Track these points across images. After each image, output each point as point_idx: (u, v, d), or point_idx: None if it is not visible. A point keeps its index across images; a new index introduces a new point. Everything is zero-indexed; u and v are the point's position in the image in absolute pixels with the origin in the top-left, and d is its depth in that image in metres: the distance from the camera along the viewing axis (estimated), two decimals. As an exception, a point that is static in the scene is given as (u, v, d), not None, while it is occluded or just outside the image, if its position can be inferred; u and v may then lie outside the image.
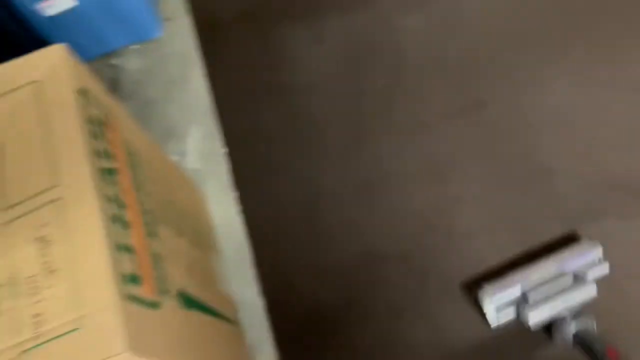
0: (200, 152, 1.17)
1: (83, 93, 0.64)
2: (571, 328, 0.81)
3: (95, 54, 1.28)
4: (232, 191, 1.12)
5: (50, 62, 0.63)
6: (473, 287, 0.93)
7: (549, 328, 0.86)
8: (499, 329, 0.87)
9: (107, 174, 0.62)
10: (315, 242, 1.05)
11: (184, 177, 1.02)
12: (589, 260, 0.87)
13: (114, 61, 1.28)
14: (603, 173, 0.99)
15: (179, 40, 1.28)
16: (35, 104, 0.61)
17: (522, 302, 0.85)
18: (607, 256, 0.87)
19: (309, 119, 1.14)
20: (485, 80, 1.11)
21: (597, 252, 0.88)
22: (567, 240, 0.93)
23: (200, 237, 0.93)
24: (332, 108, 1.14)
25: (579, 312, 0.83)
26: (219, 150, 1.16)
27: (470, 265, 0.98)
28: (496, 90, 1.09)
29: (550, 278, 0.86)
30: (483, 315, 0.89)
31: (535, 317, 0.84)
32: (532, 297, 0.84)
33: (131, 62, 1.27)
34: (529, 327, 0.85)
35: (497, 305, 0.86)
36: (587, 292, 0.85)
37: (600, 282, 0.87)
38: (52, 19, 1.09)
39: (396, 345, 0.96)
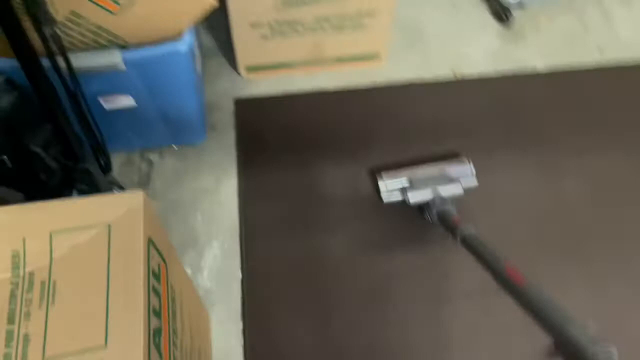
0: (216, 270, 1.16)
1: (151, 242, 0.65)
2: (436, 208, 1.11)
3: (137, 146, 1.30)
4: (239, 320, 1.10)
5: (126, 206, 0.64)
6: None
7: (422, 209, 1.18)
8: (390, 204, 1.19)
9: (156, 335, 0.61)
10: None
11: (201, 306, 1.01)
12: (463, 171, 1.21)
13: (151, 157, 1.30)
14: None
15: (220, 151, 1.31)
16: (103, 246, 0.61)
17: (407, 187, 1.18)
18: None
19: (333, 264, 1.15)
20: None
21: (471, 168, 1.21)
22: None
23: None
24: (359, 255, 1.16)
25: (445, 200, 1.13)
26: (235, 273, 1.15)
27: None
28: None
29: (432, 176, 1.19)
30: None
31: (414, 197, 1.16)
32: (415, 185, 1.17)
33: (168, 162, 1.29)
34: (409, 204, 1.16)
35: (389, 187, 1.19)
36: (455, 190, 1.17)
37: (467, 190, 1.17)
38: (107, 111, 1.12)
39: None
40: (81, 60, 0.96)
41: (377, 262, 1.16)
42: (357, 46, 1.38)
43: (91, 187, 1.06)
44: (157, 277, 0.65)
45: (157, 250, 0.67)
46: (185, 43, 1.01)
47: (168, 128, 1.23)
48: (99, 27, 0.94)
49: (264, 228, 1.20)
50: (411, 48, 1.48)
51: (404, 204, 1.18)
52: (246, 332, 1.08)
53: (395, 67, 1.45)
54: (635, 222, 1.21)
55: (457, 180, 1.18)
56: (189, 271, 1.15)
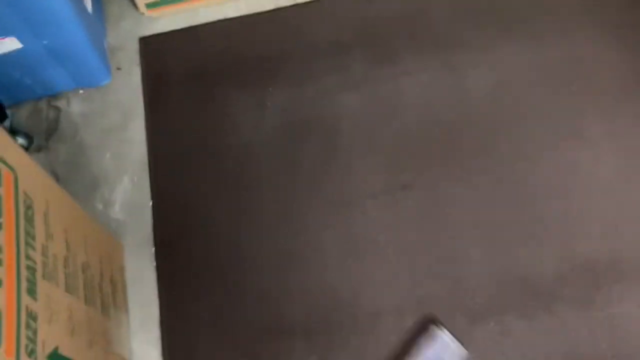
0: (127, 203, 1.17)
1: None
2: None
3: (40, 94, 1.29)
4: (151, 245, 1.12)
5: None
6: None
7: None
8: None
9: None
10: (226, 308, 1.05)
11: (99, 231, 1.02)
12: (443, 347, 0.97)
13: (57, 103, 1.29)
14: (513, 268, 1.03)
15: (126, 90, 1.30)
16: None
17: None
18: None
19: (241, 183, 1.16)
20: (412, 165, 1.15)
21: (447, 337, 0.97)
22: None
23: (100, 294, 0.92)
24: (265, 175, 1.16)
25: None
26: (146, 202, 1.16)
27: (375, 346, 0.99)
28: (422, 176, 1.13)
29: None
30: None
31: None
32: None
33: (74, 106, 1.29)
34: None
35: None
36: None
37: None
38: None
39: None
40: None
41: (284, 178, 1.17)
42: (254, -31, 1.35)
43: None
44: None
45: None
46: (51, -28, 0.99)
47: (66, 71, 1.22)
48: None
49: (173, 159, 1.21)
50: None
51: None
52: (157, 255, 1.10)
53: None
54: (533, 108, 1.21)
55: None
56: (100, 206, 1.17)
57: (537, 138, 1.17)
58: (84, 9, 1.21)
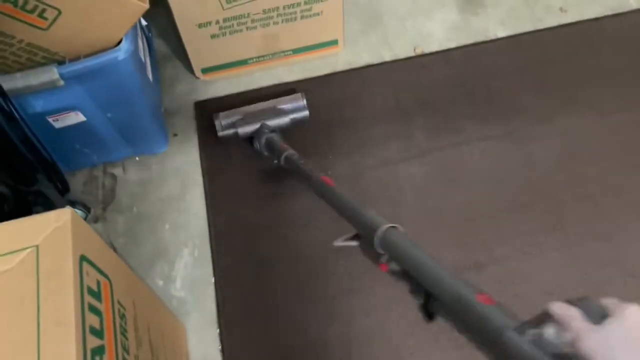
0: (188, 279, 1.14)
1: (85, 259, 0.63)
2: (264, 137, 1.18)
3: (97, 162, 1.27)
4: (215, 326, 1.08)
5: (53, 225, 0.62)
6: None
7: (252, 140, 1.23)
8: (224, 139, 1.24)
9: (96, 354, 0.59)
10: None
11: (168, 316, 0.98)
12: (296, 106, 1.26)
13: (114, 170, 1.27)
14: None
15: (183, 157, 1.29)
16: (32, 269, 0.59)
17: (240, 122, 1.23)
18: None
19: (307, 258, 1.13)
20: (480, 241, 1.12)
21: (303, 101, 1.26)
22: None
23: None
24: (324, 248, 1.13)
25: (272, 129, 1.21)
26: (208, 279, 1.13)
27: None
28: (492, 254, 1.10)
29: (265, 111, 1.25)
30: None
31: (243, 130, 1.22)
32: (246, 119, 1.23)
33: (131, 174, 1.27)
34: (239, 137, 1.22)
35: (223, 123, 1.24)
36: (283, 121, 1.23)
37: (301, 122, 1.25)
38: (59, 130, 1.09)
39: None
40: (17, 81, 0.94)
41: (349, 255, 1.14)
42: (311, 34, 1.35)
43: (48, 208, 1.04)
44: (95, 294, 0.63)
45: (95, 266, 0.65)
46: (124, 50, 0.98)
47: (125, 139, 1.21)
48: (31, 45, 0.92)
49: (235, 232, 1.18)
50: (370, 31, 1.45)
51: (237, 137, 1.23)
52: (223, 337, 1.06)
53: (355, 51, 1.42)
54: (602, 180, 1.18)
55: (288, 112, 1.24)
56: (160, 283, 1.13)
57: (608, 214, 1.14)
58: (147, 78, 1.20)
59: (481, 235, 1.14)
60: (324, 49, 1.40)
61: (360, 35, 1.44)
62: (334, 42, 1.40)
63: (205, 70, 1.37)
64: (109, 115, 1.11)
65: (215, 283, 1.13)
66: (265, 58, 1.38)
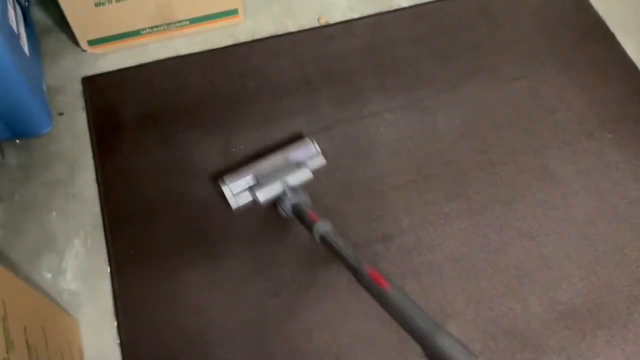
0: (80, 270, 1.04)
1: None
2: (290, 201, 1.04)
3: (-32, 146, 1.13)
4: (112, 319, 1.00)
5: None
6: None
7: (276, 205, 1.07)
8: (239, 210, 1.07)
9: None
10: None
11: (54, 312, 0.89)
12: (308, 153, 1.13)
13: (-11, 155, 1.14)
14: (496, 317, 1.01)
15: (70, 138, 1.18)
16: None
17: (255, 186, 1.07)
18: None
19: (208, 237, 1.07)
20: (389, 212, 1.11)
21: (314, 146, 1.13)
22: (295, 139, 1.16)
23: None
24: (231, 226, 1.08)
25: (295, 189, 1.06)
26: (103, 268, 1.05)
27: None
28: (400, 225, 1.10)
29: (277, 167, 1.10)
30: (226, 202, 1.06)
31: (263, 195, 1.05)
32: (262, 181, 1.06)
33: (10, 158, 1.14)
34: (260, 204, 1.06)
35: (234, 191, 1.07)
36: (304, 176, 1.09)
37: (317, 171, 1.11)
38: None
39: None
40: None
41: (257, 232, 1.10)
42: (208, 3, 1.27)
43: None
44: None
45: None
46: (-14, 18, 0.86)
47: (1, 120, 1.08)
48: None
49: (131, 215, 1.10)
50: (272, 0, 1.39)
51: (255, 204, 1.07)
52: (121, 329, 0.99)
53: (258, 22, 1.36)
54: (503, 147, 1.21)
55: (304, 164, 1.10)
56: (48, 276, 1.03)
57: (508, 180, 1.17)
58: (21, 51, 1.08)
59: (390, 207, 1.13)
60: (224, 18, 1.32)
61: (263, 5, 1.38)
62: (234, 12, 1.32)
63: (92, 43, 1.26)
64: (-25, 92, 0.98)
65: (111, 273, 1.04)
66: (159, 29, 1.28)
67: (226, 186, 1.07)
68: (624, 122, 1.25)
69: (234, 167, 1.11)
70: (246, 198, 1.07)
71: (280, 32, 1.35)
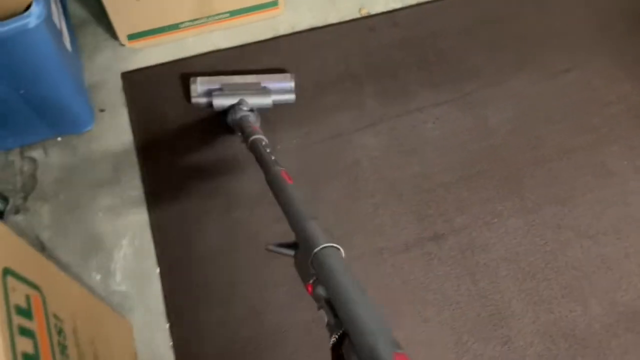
0: (129, 271, 1.03)
1: (9, 272, 0.51)
2: (239, 114, 1.07)
3: (12, 145, 1.12)
4: (164, 320, 0.99)
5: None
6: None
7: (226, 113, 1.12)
8: (196, 106, 1.14)
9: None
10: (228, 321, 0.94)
11: (111, 316, 0.88)
12: (282, 86, 1.16)
13: (33, 154, 1.12)
14: (556, 321, 0.99)
15: (113, 135, 1.15)
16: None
17: (218, 92, 1.13)
18: None
19: (259, 243, 1.04)
20: (440, 212, 1.09)
21: (291, 83, 1.16)
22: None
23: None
24: (279, 229, 1.06)
25: (252, 109, 1.10)
26: (152, 270, 1.03)
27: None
28: (452, 224, 1.07)
29: (246, 85, 1.14)
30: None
31: (219, 102, 1.12)
32: (225, 90, 1.13)
33: (53, 157, 1.13)
34: (213, 107, 1.12)
35: (199, 90, 1.14)
36: (265, 101, 1.13)
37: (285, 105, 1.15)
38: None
39: None
40: None
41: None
42: (249, -5, 1.23)
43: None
44: (25, 313, 0.52)
45: (22, 279, 0.54)
46: (35, 15, 0.83)
47: (44, 118, 1.06)
48: None
49: (179, 214, 1.08)
50: (312, -9, 1.35)
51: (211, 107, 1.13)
52: (173, 332, 0.97)
53: (297, 13, 1.32)
54: (556, 142, 1.17)
55: (272, 92, 1.14)
56: (97, 277, 1.02)
57: (563, 177, 1.13)
58: (65, 48, 1.05)
59: (440, 205, 1.11)
60: (263, 10, 1.29)
61: (302, -4, 1.34)
62: (274, 4, 1.28)
63: (132, 37, 1.23)
64: (21, 91, 0.96)
65: (161, 274, 1.03)
66: (198, 22, 1.25)
67: (195, 84, 1.14)
68: (681, 115, 1.20)
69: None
70: (204, 100, 1.14)
71: (320, 24, 1.31)
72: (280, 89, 1.16)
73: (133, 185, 1.11)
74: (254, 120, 1.07)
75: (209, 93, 1.13)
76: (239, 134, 1.05)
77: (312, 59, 1.26)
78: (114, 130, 1.16)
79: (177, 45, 1.26)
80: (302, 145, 1.16)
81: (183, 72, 1.23)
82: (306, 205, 0.73)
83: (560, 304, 1.01)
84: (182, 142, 1.15)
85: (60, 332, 0.59)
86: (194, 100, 1.14)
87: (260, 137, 0.97)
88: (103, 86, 1.21)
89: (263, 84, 1.15)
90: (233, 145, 1.15)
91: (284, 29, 1.30)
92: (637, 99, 1.22)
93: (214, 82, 1.15)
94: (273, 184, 0.82)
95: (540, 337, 0.98)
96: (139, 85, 1.22)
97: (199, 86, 1.14)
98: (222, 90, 1.13)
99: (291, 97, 1.16)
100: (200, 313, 0.99)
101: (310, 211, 0.71)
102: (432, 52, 1.27)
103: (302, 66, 1.24)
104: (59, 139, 1.14)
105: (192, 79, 1.15)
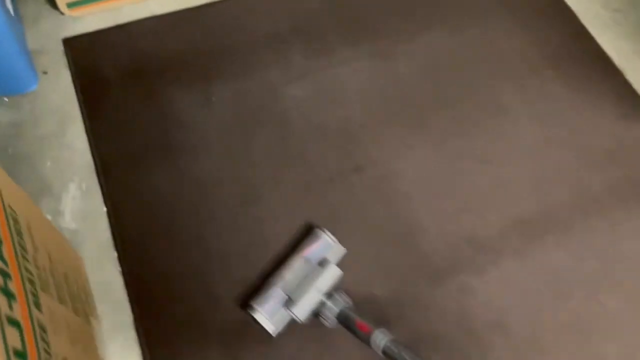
0: (78, 211, 1.12)
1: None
2: (332, 310, 0.97)
3: (-41, 104, 1.19)
4: (112, 252, 1.09)
5: None
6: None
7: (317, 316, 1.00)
8: (280, 334, 1.00)
9: (-8, 243, 0.59)
10: (203, 300, 1.05)
11: (62, 240, 0.98)
12: (325, 246, 1.06)
13: (-20, 113, 1.20)
14: (459, 230, 1.14)
15: (56, 95, 1.24)
16: None
17: (288, 303, 0.98)
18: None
19: (196, 181, 1.15)
20: (361, 147, 1.23)
21: (328, 237, 1.07)
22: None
23: (79, 303, 0.89)
24: (219, 170, 1.17)
25: (331, 294, 0.99)
26: (99, 209, 1.13)
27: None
28: (371, 157, 1.21)
29: (304, 272, 1.01)
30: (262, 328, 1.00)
31: (301, 312, 0.97)
32: (294, 296, 0.98)
33: (0, 115, 1.20)
34: (302, 322, 0.99)
35: (269, 314, 0.98)
36: (335, 274, 1.01)
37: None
38: None
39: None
40: None
41: (240, 171, 1.19)
42: (180, -36, 1.35)
43: None
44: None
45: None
46: (-22, -29, 0.92)
47: (-11, 77, 1.14)
48: None
49: (122, 161, 1.18)
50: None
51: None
52: (121, 259, 1.08)
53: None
54: (459, 87, 1.34)
55: (327, 260, 1.04)
56: (49, 217, 1.11)
57: (465, 114, 1.30)
58: (7, 11, 1.14)
59: (360, 143, 1.25)
60: (195, -21, 1.40)
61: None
62: (205, -27, 1.40)
63: (71, 5, 1.32)
64: (-34, 48, 1.04)
65: (108, 212, 1.12)
66: (134, -10, 1.35)
67: (259, 313, 0.97)
68: (564, 60, 1.39)
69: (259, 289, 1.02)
70: (284, 319, 0.99)
71: (249, -9, 1.43)
72: (326, 249, 1.06)
73: (78, 136, 1.20)
74: (354, 317, 0.96)
75: (278, 311, 0.98)
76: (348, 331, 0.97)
77: (244, 23, 1.38)
78: (58, 90, 1.25)
79: (114, 12, 1.36)
80: (236, 98, 1.28)
81: (123, 36, 1.33)
82: None
83: (462, 218, 1.16)
84: (123, 98, 1.25)
85: (15, 221, 0.69)
86: (275, 333, 0.98)
87: (384, 338, 0.90)
88: (45, 52, 1.30)
89: (307, 256, 1.04)
90: (169, 97, 1.26)
91: (215, -5, 1.42)
92: (528, 48, 1.40)
93: (271, 293, 0.99)
94: None
95: (445, 244, 1.13)
96: (81, 49, 1.31)
97: (265, 313, 0.97)
98: (290, 299, 0.98)
99: (340, 248, 1.07)
100: (146, 241, 1.10)
101: None
102: (352, 14, 1.42)
103: (235, 30, 1.37)
104: (6, 99, 1.22)
105: (249, 307, 0.99)
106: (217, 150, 1.21)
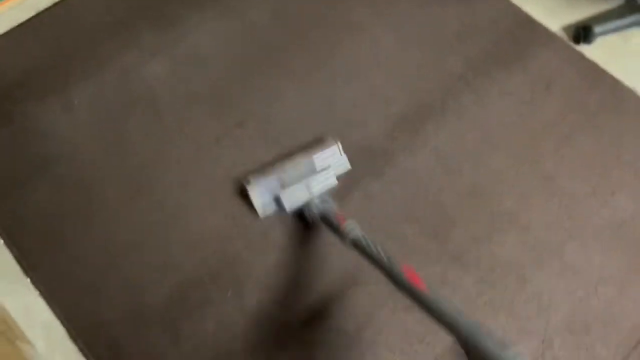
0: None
1: None
2: (317, 208, 1.06)
3: None
4: (24, 278, 1.07)
5: None
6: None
7: (302, 212, 1.09)
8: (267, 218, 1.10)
9: None
10: (128, 288, 1.05)
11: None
12: (332, 155, 1.14)
13: None
14: (352, 146, 1.20)
15: None
16: None
17: (278, 188, 1.08)
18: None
19: (81, 186, 1.14)
20: (236, 104, 1.25)
21: (338, 148, 1.15)
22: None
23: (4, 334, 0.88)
24: (100, 169, 1.16)
25: (322, 196, 1.09)
26: (-5, 244, 1.10)
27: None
28: (248, 111, 1.24)
29: (303, 171, 1.11)
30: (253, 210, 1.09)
31: (290, 205, 1.07)
32: (286, 184, 1.08)
33: None
34: (286, 213, 1.08)
35: (263, 199, 1.08)
36: (330, 181, 1.12)
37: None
38: None
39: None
40: None
41: (122, 161, 1.19)
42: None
43: None
44: None
45: None
46: None
47: None
48: None
49: (3, 189, 1.15)
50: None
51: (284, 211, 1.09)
52: (35, 283, 1.06)
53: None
54: (312, 20, 1.38)
55: (328, 168, 1.12)
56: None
57: (321, 42, 1.34)
58: None
59: (236, 100, 1.27)
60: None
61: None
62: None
63: None
64: None
65: (5, 243, 1.10)
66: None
67: (252, 189, 1.07)
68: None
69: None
70: (271, 206, 1.09)
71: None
72: (332, 160, 1.14)
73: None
74: (332, 208, 1.05)
75: (271, 196, 1.09)
76: (327, 228, 1.03)
77: (83, 21, 1.35)
78: None
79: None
80: (99, 93, 1.26)
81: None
82: (458, 309, 0.69)
83: (350, 131, 1.22)
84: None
85: None
86: (262, 214, 1.08)
87: (355, 232, 0.93)
88: None
89: (315, 160, 1.12)
90: (30, 117, 1.22)
91: (44, 4, 1.37)
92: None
93: (269, 177, 1.09)
94: (400, 284, 0.78)
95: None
96: None
97: (258, 190, 1.07)
98: (283, 188, 1.08)
99: (346, 164, 1.15)
100: (55, 261, 1.08)
101: (471, 320, 0.67)
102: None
103: (77, 31, 1.34)
104: None
105: (246, 180, 1.09)
106: (90, 150, 1.19)
